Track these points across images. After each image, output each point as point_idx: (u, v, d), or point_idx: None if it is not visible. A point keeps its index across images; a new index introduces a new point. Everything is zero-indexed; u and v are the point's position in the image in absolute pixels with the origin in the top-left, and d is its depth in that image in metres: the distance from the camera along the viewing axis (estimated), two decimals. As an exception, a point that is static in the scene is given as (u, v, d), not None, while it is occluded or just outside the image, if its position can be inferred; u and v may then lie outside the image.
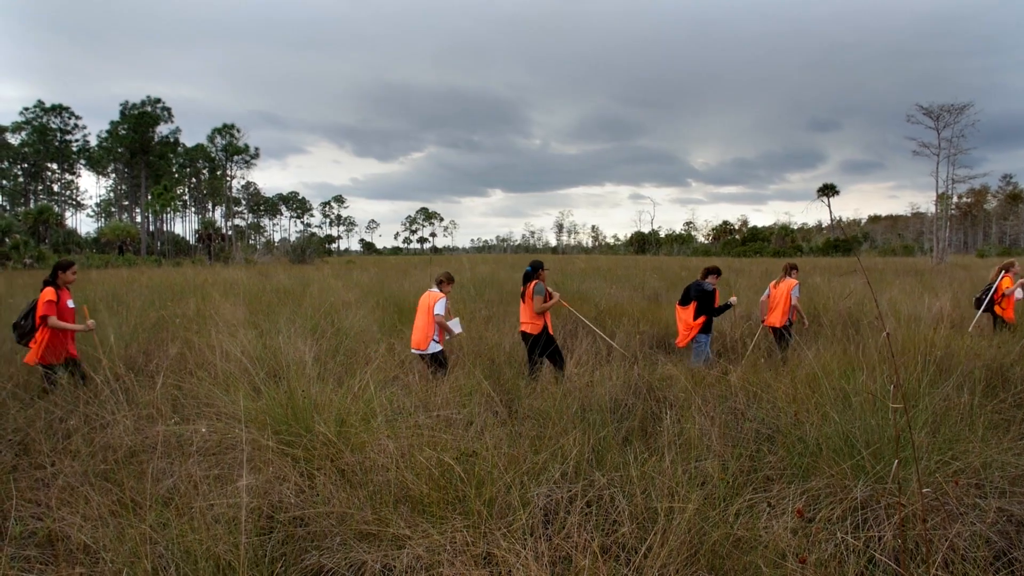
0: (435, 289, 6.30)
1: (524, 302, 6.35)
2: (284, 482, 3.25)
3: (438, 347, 6.13)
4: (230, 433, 3.77)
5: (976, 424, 3.66)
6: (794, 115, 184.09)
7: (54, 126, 63.56)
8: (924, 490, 2.65)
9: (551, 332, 6.34)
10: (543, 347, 6.24)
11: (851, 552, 2.66)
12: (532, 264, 6.44)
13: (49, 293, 5.21)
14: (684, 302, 6.91)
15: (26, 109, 62.42)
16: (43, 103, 62.68)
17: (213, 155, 69.69)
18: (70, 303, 5.38)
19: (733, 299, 6.87)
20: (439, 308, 6.05)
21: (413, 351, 6.25)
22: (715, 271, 7.05)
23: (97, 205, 76.28)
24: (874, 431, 3.41)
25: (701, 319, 6.74)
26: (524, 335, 6.36)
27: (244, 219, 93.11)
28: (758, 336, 7.46)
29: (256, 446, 3.52)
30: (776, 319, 7.27)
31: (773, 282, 7.53)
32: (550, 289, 6.33)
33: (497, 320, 9.05)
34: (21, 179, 64.92)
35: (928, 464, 3.17)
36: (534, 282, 6.30)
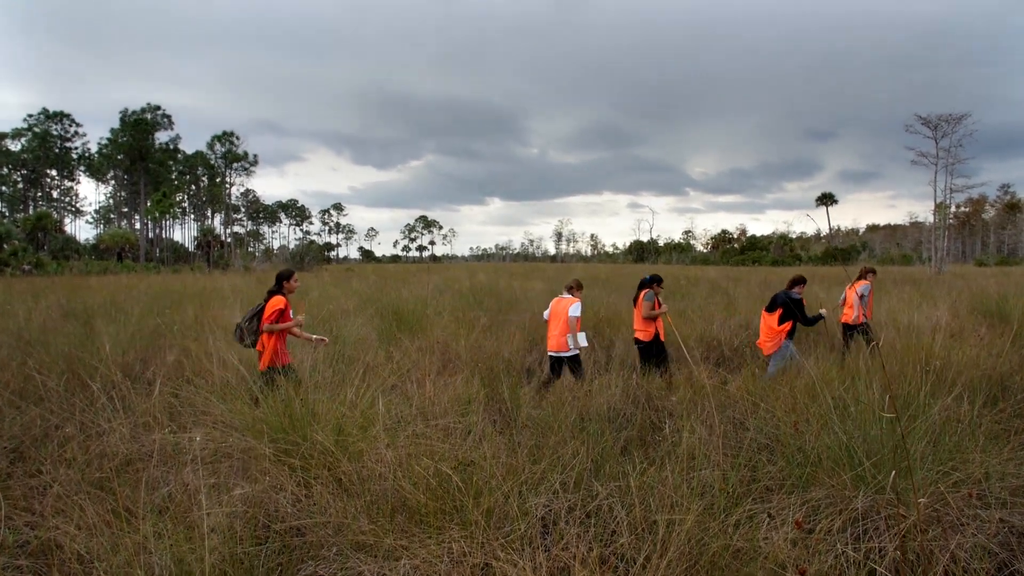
0: (567, 295, 6.52)
1: (636, 307, 6.95)
2: (281, 491, 3.22)
3: (576, 351, 6.36)
4: (227, 441, 3.75)
5: (976, 434, 3.64)
6: (791, 124, 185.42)
7: (55, 132, 63.75)
8: (919, 500, 2.63)
9: (663, 339, 6.88)
10: (655, 352, 6.77)
11: (851, 564, 2.64)
12: (650, 276, 7.04)
13: (279, 302, 5.26)
14: (771, 309, 7.04)
15: (29, 116, 62.75)
16: (47, 110, 62.98)
17: (212, 162, 69.88)
18: (290, 312, 5.40)
19: (823, 311, 7.08)
20: (575, 311, 6.32)
21: (551, 354, 6.44)
22: (801, 281, 7.14)
23: (96, 211, 76.22)
24: (875, 441, 3.39)
25: (787, 325, 6.85)
26: (637, 341, 6.95)
27: (243, 226, 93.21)
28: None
29: (253, 455, 3.50)
30: (850, 316, 7.71)
31: (849, 284, 7.96)
32: (660, 300, 6.91)
33: (496, 328, 9.04)
34: (20, 185, 65.00)
35: (929, 475, 3.15)
36: (647, 290, 6.83)
